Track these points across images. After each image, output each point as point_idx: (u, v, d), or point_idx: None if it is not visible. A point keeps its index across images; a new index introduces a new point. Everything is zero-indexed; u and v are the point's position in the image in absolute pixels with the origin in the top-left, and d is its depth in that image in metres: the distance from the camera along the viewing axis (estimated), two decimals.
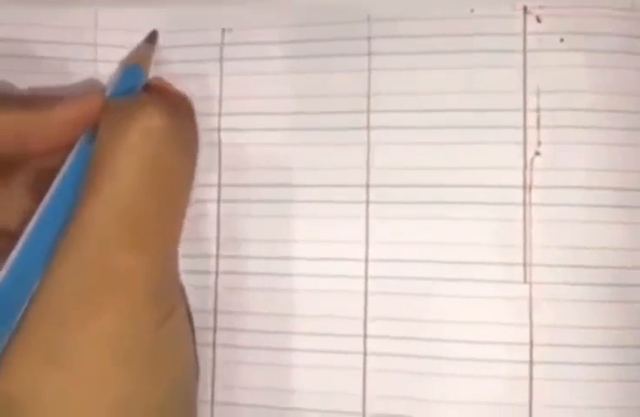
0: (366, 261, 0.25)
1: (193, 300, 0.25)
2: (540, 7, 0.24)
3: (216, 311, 0.25)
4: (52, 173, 0.22)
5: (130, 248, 0.20)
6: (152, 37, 0.26)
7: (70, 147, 0.22)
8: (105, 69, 0.26)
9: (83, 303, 0.20)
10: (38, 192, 0.23)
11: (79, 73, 0.26)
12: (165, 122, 0.21)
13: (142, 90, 0.24)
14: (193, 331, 0.24)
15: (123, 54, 0.26)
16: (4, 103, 0.22)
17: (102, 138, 0.21)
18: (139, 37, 0.26)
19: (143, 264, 0.20)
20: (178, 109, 0.22)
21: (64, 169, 0.22)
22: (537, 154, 0.24)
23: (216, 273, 0.25)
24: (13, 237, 0.21)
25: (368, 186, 0.25)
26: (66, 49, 0.26)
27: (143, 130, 0.21)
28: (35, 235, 0.21)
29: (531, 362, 0.23)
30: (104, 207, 0.20)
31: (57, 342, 0.20)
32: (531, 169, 0.24)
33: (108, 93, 0.23)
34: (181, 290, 0.24)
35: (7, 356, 0.20)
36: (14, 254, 0.21)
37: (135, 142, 0.21)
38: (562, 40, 0.24)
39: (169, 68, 0.26)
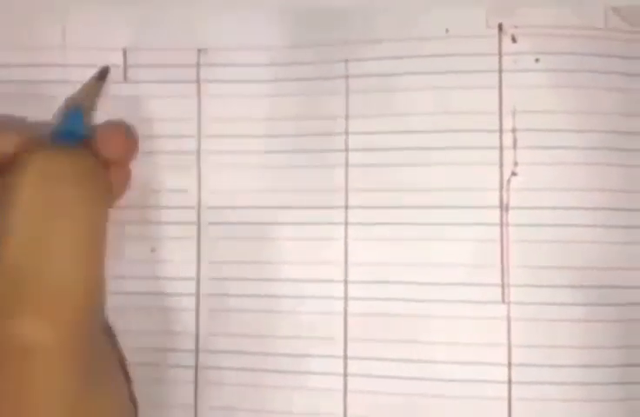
0: (345, 282, 0.25)
1: (175, 322, 0.25)
2: (515, 26, 0.24)
3: (197, 333, 0.25)
4: None
5: (34, 316, 0.20)
6: (102, 74, 0.25)
7: None
8: (75, 89, 0.26)
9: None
10: None
11: (49, 94, 0.26)
12: (50, 164, 0.21)
13: (83, 138, 0.23)
14: (129, 380, 0.24)
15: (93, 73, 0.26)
16: None
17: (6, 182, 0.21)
18: (111, 56, 0.26)
19: (61, 334, 0.20)
20: (71, 150, 0.22)
21: None
22: (514, 174, 0.24)
23: (197, 295, 0.25)
24: None
25: (346, 207, 0.25)
26: (34, 70, 0.26)
27: (31, 171, 0.21)
28: None
29: (510, 382, 0.24)
30: (4, 274, 0.20)
31: None
32: (508, 190, 0.24)
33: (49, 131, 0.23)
34: (111, 339, 0.24)
35: None
36: None
37: (20, 183, 0.21)
38: (537, 60, 0.24)
39: (145, 87, 0.26)
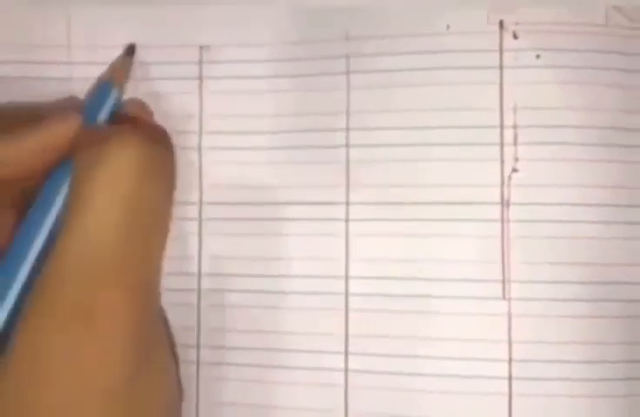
0: (346, 278, 0.25)
1: (176, 318, 0.25)
2: (516, 23, 0.24)
3: (199, 328, 0.25)
4: (34, 193, 0.22)
5: (112, 286, 0.20)
6: (130, 50, 0.26)
7: (46, 171, 0.22)
8: (80, 87, 0.26)
9: (64, 345, 0.19)
10: (23, 212, 0.23)
11: (53, 91, 0.26)
12: (141, 155, 0.21)
13: (118, 121, 0.23)
14: (177, 364, 0.24)
15: (98, 71, 0.26)
16: None
17: (78, 171, 0.21)
18: (114, 54, 0.26)
19: (124, 300, 0.20)
20: (155, 142, 0.22)
21: (40, 198, 0.22)
22: (515, 170, 0.24)
23: (199, 290, 0.25)
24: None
25: (348, 203, 0.25)
26: (39, 67, 0.26)
27: (121, 165, 0.20)
28: (11, 270, 0.21)
29: (510, 378, 0.24)
30: (83, 242, 0.20)
31: (42, 392, 0.19)
32: (509, 186, 0.24)
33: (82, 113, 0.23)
34: (164, 322, 0.24)
35: None
36: None
37: (112, 177, 0.20)
38: (538, 56, 0.24)
39: (147, 85, 0.26)
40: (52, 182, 0.22)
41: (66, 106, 0.23)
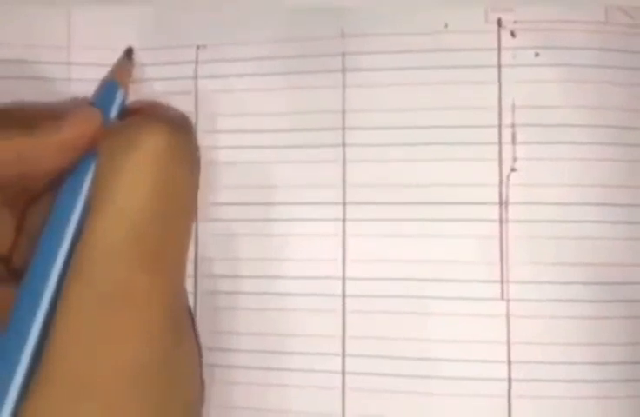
0: (343, 279, 0.24)
1: None
2: (514, 21, 0.24)
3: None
4: (38, 194, 0.22)
5: (145, 268, 0.20)
6: (129, 53, 0.26)
7: (65, 169, 0.22)
8: (79, 87, 0.26)
9: (103, 330, 0.19)
10: (23, 214, 0.23)
11: (52, 93, 0.26)
12: (169, 140, 0.21)
13: (130, 112, 0.23)
14: (201, 353, 0.24)
15: (96, 72, 0.26)
16: (5, 126, 0.21)
17: (104, 160, 0.21)
18: (113, 55, 0.26)
19: (158, 284, 0.20)
20: (179, 125, 0.22)
21: (63, 194, 0.21)
22: (513, 170, 0.24)
23: (195, 292, 0.25)
24: (5, 261, 0.21)
25: (344, 204, 0.25)
26: (38, 67, 0.26)
27: (149, 150, 0.20)
28: (38, 266, 0.21)
29: (509, 380, 0.23)
30: (115, 227, 0.20)
31: (82, 374, 0.19)
32: (507, 186, 0.24)
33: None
34: (188, 310, 0.24)
35: (32, 392, 0.19)
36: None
37: (141, 162, 0.20)
38: (536, 54, 0.24)
39: (144, 86, 0.26)
40: (74, 185, 0.21)
41: (83, 106, 0.23)
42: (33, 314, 0.20)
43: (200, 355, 0.23)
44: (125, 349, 0.19)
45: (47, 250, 0.21)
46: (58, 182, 0.22)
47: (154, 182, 0.20)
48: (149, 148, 0.21)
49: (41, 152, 0.21)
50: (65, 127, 0.21)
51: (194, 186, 0.22)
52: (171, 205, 0.21)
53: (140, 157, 0.20)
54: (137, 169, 0.20)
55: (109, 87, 0.24)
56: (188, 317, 0.22)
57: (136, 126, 0.21)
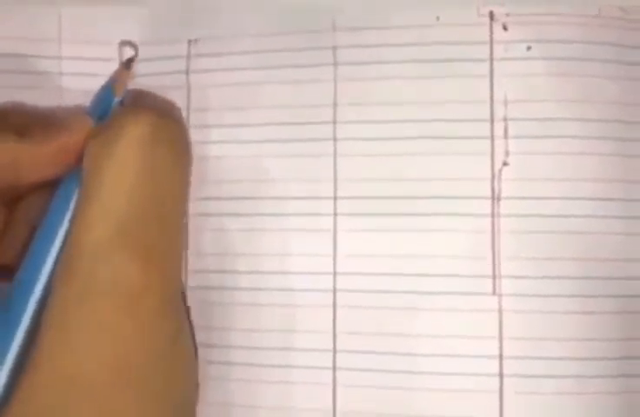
0: (334, 274, 0.24)
1: None
2: (506, 14, 0.24)
3: None
4: (43, 206, 0.22)
5: (135, 259, 0.20)
6: (128, 64, 0.25)
7: (59, 177, 0.22)
8: (70, 82, 0.26)
9: (93, 326, 0.19)
10: (10, 210, 0.22)
11: (42, 87, 0.26)
12: (154, 126, 0.21)
13: (119, 105, 0.23)
14: (196, 347, 0.24)
15: (87, 66, 0.26)
16: (1, 130, 0.21)
17: (91, 153, 0.21)
18: (104, 49, 0.26)
19: (152, 274, 0.20)
20: (164, 112, 0.22)
21: (57, 194, 0.21)
22: (505, 164, 0.24)
23: (185, 288, 0.25)
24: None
25: (335, 198, 0.24)
26: (29, 62, 0.26)
27: (133, 138, 0.20)
28: (30, 268, 0.20)
29: (501, 375, 0.23)
30: (103, 221, 0.20)
31: (71, 372, 0.19)
32: (499, 180, 0.24)
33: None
34: (186, 308, 0.23)
35: (19, 391, 0.19)
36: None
37: (126, 149, 0.20)
38: (529, 48, 0.24)
39: (136, 81, 0.26)
40: (65, 190, 0.21)
41: (73, 112, 0.23)
42: (23, 310, 0.20)
43: (196, 352, 0.23)
44: (116, 345, 0.19)
45: (39, 251, 0.21)
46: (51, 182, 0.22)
47: (139, 169, 0.20)
48: (133, 136, 0.20)
49: (35, 158, 0.21)
50: (60, 134, 0.21)
51: (183, 172, 0.22)
52: (159, 191, 0.21)
53: (125, 144, 0.20)
54: (123, 157, 0.20)
55: (105, 96, 0.24)
56: (184, 312, 0.22)
57: (120, 116, 0.21)
